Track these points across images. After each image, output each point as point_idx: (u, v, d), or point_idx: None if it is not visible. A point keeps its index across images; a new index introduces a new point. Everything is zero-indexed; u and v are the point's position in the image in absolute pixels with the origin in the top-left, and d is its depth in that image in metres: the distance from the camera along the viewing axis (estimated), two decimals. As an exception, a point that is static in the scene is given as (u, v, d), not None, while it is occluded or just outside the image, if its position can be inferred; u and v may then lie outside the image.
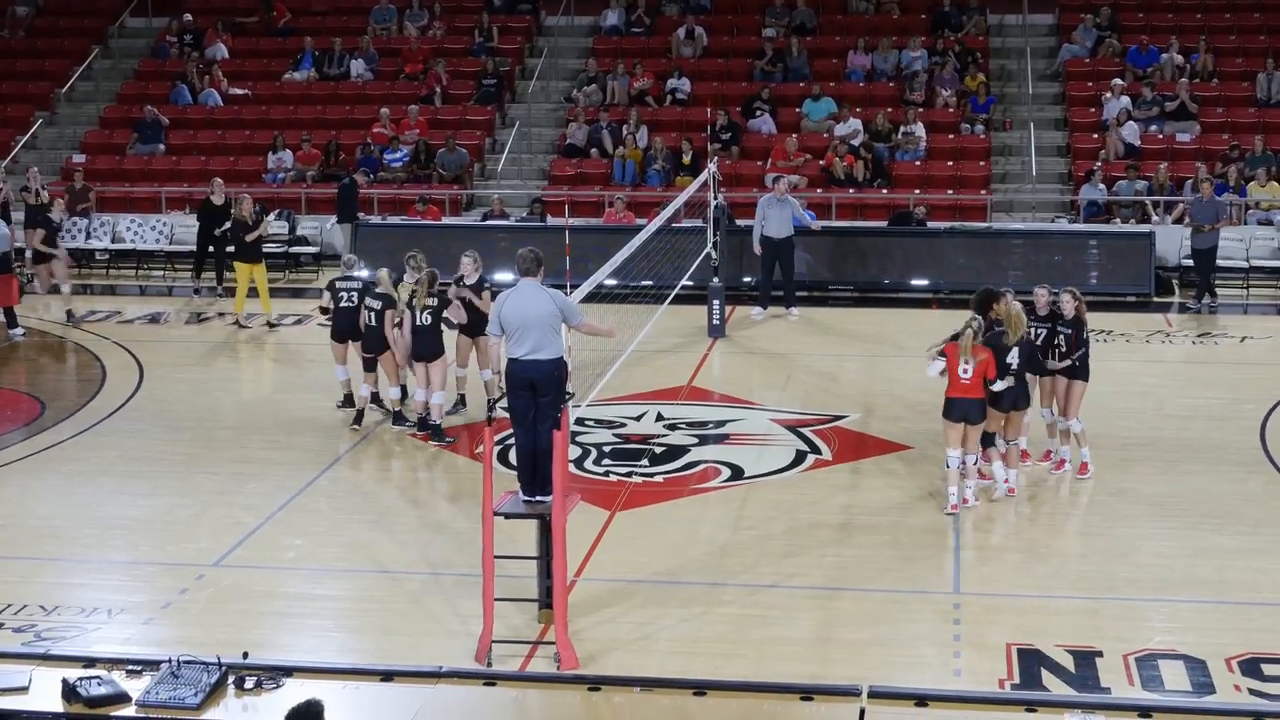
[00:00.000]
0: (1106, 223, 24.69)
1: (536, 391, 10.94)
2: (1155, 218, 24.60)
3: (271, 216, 23.84)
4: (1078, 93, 28.08)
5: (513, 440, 11.66)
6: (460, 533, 13.00)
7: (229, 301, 22.39)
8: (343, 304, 16.32)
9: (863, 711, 9.63)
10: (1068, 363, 14.25)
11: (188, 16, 31.31)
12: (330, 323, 16.71)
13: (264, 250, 22.02)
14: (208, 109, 29.65)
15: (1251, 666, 10.40)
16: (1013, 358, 13.63)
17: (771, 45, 29.31)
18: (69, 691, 9.74)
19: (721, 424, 16.46)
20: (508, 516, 11.00)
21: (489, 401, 11.17)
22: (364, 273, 17.00)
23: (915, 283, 23.68)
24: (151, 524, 13.52)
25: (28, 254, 22.88)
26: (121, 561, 12.69)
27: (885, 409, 16.94)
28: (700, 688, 9.95)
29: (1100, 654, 10.59)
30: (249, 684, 9.91)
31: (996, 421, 13.79)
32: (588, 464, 14.97)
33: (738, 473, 14.80)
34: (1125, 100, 26.83)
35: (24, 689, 9.93)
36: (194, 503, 14.05)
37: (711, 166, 21.34)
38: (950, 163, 26.74)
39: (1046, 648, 10.67)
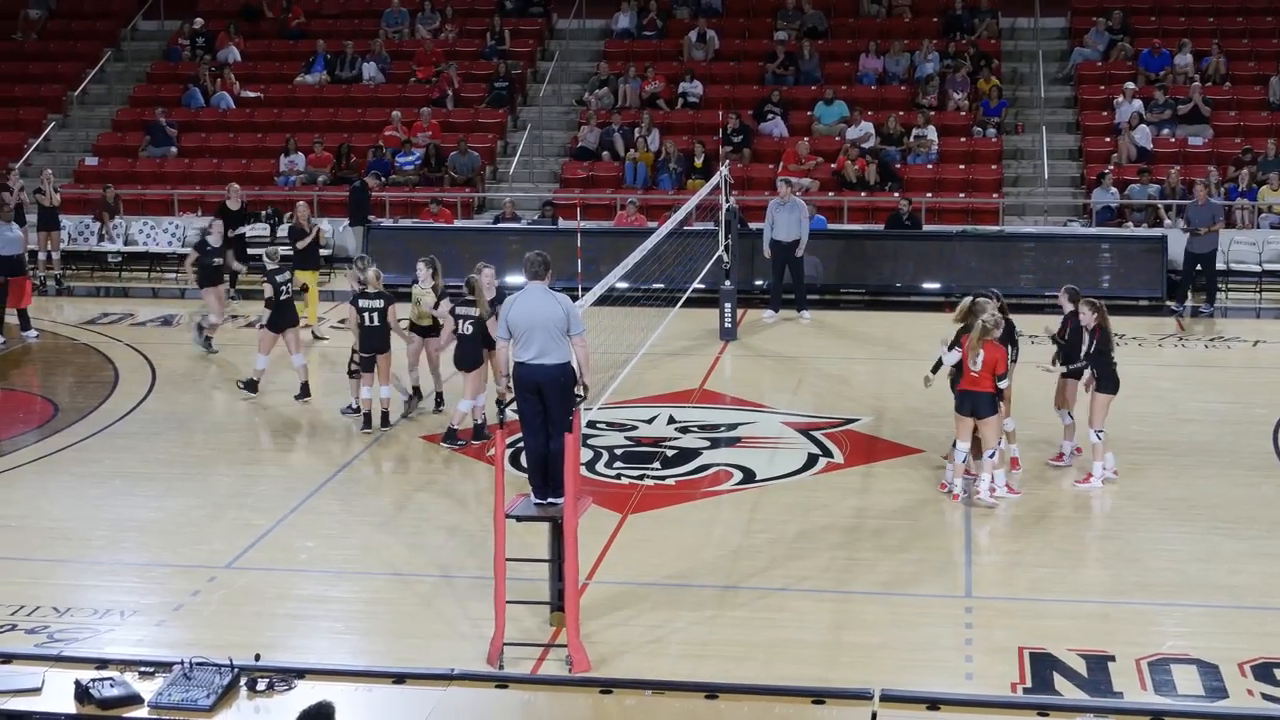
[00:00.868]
0: (1119, 226, 24.66)
1: (543, 396, 10.89)
2: (1167, 221, 24.54)
3: (324, 223, 23.78)
4: (1090, 96, 28.02)
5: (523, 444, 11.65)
6: (472, 535, 13.01)
7: (240, 305, 22.39)
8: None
9: (874, 715, 9.62)
10: (1065, 369, 14.32)
11: (199, 21, 31.37)
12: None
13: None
14: (220, 112, 29.69)
15: (1264, 671, 10.37)
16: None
17: (783, 48, 29.27)
18: (82, 693, 9.74)
19: (733, 427, 16.45)
20: (520, 519, 10.99)
21: (499, 404, 11.14)
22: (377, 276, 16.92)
23: (927, 286, 23.68)
24: (164, 526, 13.55)
25: (40, 256, 22.92)
26: (134, 563, 12.70)
27: (897, 412, 16.93)
28: (712, 691, 9.94)
29: (1113, 658, 10.57)
30: (261, 686, 9.92)
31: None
32: (599, 467, 14.97)
33: (749, 476, 14.80)
34: (1137, 104, 26.78)
35: (37, 690, 9.94)
36: (206, 505, 14.08)
37: (723, 169, 21.36)
38: (962, 166, 26.72)
39: (1059, 651, 10.65)
